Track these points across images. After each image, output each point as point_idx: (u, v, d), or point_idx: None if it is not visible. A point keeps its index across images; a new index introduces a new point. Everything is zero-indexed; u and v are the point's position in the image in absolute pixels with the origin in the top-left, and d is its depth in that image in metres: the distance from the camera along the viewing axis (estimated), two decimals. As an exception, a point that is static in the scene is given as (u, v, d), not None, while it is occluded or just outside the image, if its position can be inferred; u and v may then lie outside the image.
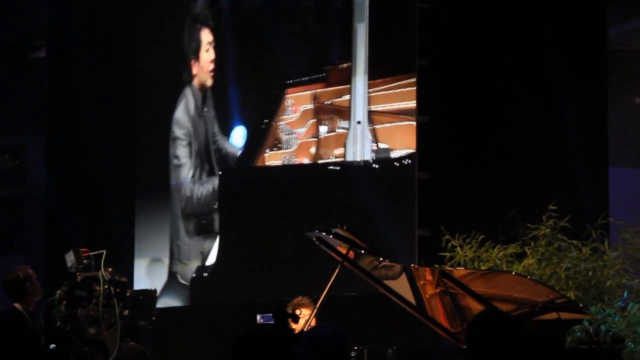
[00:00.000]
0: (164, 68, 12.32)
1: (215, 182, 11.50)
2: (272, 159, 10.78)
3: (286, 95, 10.75)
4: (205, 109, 11.69)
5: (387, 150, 9.84)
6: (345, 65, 10.28)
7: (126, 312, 7.46)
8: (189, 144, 11.77)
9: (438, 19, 9.51)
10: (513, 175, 9.49)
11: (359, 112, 10.02)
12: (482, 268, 8.22)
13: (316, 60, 10.62)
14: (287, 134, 10.67)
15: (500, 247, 8.43)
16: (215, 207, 11.44)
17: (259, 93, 11.15)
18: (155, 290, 7.78)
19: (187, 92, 11.88)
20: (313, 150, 10.35)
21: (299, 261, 10.14)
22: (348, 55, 10.24)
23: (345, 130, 10.18)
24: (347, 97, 10.21)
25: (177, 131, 11.91)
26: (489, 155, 9.56)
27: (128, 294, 7.54)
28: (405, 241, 9.43)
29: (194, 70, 11.82)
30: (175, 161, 11.90)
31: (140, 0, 12.68)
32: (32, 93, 14.34)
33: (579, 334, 6.98)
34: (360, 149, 9.98)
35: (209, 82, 11.69)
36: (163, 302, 11.59)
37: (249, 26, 11.39)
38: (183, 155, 11.81)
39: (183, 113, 11.87)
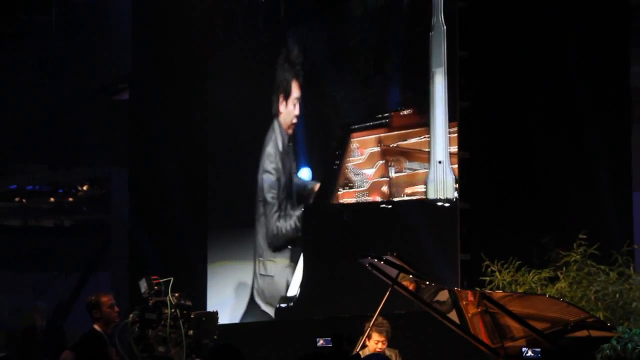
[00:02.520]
0: (235, 108, 12.38)
1: (297, 215, 11.27)
2: (346, 197, 10.57)
3: (352, 139, 10.63)
4: (291, 144, 11.49)
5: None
6: (407, 111, 10.18)
7: (191, 332, 7.52)
8: (278, 179, 11.50)
9: (477, 64, 9.51)
10: (546, 205, 9.43)
11: (440, 152, 9.90)
12: (519, 291, 8.18)
13: (374, 108, 10.50)
14: (356, 175, 10.52)
15: (535, 271, 8.38)
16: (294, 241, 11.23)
17: (324, 136, 11.02)
18: (216, 312, 7.84)
19: (276, 126, 11.61)
20: (384, 189, 10.20)
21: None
22: (410, 102, 10.13)
23: (414, 171, 10.02)
24: (413, 140, 10.03)
25: (268, 165, 11.59)
26: (524, 187, 9.51)
27: (192, 316, 7.60)
28: (449, 265, 9.38)
29: (281, 109, 11.56)
30: (266, 195, 11.60)
31: (212, 46, 12.77)
32: (116, 130, 14.48)
33: (607, 351, 6.92)
34: (442, 187, 9.80)
35: (291, 131, 11.47)
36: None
37: (314, 75, 11.31)
38: (273, 190, 11.51)
39: (273, 147, 11.59)
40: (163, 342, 7.44)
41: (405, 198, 9.96)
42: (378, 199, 10.22)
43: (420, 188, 9.85)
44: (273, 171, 11.53)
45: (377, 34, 10.62)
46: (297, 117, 11.38)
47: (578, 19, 9.66)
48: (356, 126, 10.58)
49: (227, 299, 12.27)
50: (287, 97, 11.48)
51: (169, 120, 12.92)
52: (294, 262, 11.26)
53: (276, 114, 11.62)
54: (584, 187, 9.49)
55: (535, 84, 9.57)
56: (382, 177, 10.22)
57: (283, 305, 11.20)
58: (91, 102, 15.01)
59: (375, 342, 8.52)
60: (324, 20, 11.35)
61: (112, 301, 8.07)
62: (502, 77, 9.50)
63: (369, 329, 7.85)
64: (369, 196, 10.31)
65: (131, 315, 7.58)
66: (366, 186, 10.31)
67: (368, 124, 10.48)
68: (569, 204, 9.40)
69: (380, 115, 10.40)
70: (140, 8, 13.57)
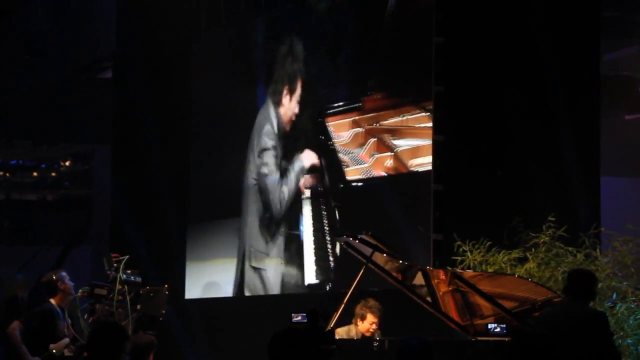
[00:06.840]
0: (217, 88, 12.29)
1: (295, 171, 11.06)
2: (350, 174, 10.43)
3: (327, 123, 10.61)
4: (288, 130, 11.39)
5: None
6: (379, 95, 10.15)
7: (139, 307, 7.66)
8: (276, 156, 11.37)
9: (453, 51, 9.48)
10: (516, 188, 9.42)
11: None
12: (489, 271, 8.19)
13: (326, 99, 10.68)
14: (346, 154, 10.43)
15: (505, 252, 8.39)
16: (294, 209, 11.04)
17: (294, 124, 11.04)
18: (166, 288, 7.92)
19: (271, 110, 11.42)
20: (388, 163, 10.06)
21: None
22: (381, 87, 10.12)
23: (406, 147, 9.90)
24: (394, 119, 9.96)
25: (269, 142, 11.42)
26: (495, 170, 9.50)
27: (141, 292, 7.72)
28: (422, 245, 9.37)
29: (284, 102, 11.34)
30: (265, 169, 11.46)
31: (196, 27, 12.70)
32: (100, 108, 14.42)
33: (573, 329, 6.92)
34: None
35: (288, 128, 11.27)
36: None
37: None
38: (271, 163, 11.38)
39: (270, 126, 11.42)
40: (110, 315, 7.58)
41: (412, 170, 9.80)
42: (383, 173, 10.12)
43: (423, 160, 9.71)
44: (272, 148, 11.42)
45: (348, 22, 10.62)
46: (296, 115, 11.23)
47: (551, 7, 9.66)
48: (331, 111, 10.56)
49: (206, 274, 12.22)
50: (292, 92, 11.35)
51: (152, 98, 12.87)
52: (288, 252, 11.08)
53: (278, 102, 11.45)
54: (554, 171, 9.51)
55: (508, 70, 9.57)
56: (379, 154, 10.11)
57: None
58: (76, 80, 14.92)
59: (370, 324, 8.57)
60: (292, 11, 11.30)
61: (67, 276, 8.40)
62: (476, 63, 9.48)
63: (363, 310, 8.01)
64: (374, 172, 10.21)
65: (80, 291, 7.78)
66: (369, 163, 10.21)
67: (342, 108, 10.46)
68: (539, 187, 9.40)
69: (353, 100, 10.42)
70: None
